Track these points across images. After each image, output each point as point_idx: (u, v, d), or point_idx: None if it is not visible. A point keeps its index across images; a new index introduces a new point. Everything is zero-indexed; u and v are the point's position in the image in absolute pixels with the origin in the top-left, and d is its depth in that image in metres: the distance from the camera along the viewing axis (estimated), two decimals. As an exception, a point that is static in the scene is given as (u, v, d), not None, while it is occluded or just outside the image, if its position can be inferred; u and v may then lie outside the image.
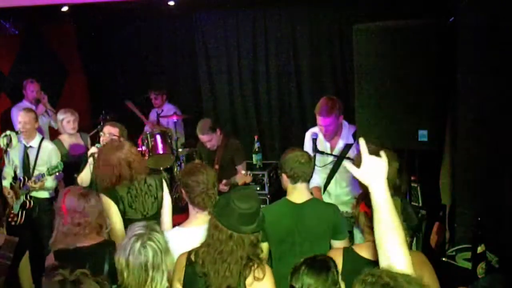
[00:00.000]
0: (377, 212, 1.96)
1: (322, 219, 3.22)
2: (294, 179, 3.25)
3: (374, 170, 1.98)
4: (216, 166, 5.14)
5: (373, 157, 2.01)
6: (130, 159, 3.50)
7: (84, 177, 4.57)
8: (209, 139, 5.14)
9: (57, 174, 4.75)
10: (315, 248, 3.15)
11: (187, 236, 2.96)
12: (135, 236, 2.38)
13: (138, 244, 2.34)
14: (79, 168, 4.82)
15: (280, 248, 3.22)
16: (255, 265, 2.50)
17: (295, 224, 3.21)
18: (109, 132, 4.55)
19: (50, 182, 4.95)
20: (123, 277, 2.36)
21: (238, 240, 2.46)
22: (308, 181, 3.30)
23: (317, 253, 3.10)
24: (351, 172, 2.03)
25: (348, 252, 2.59)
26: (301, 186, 3.26)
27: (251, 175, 5.20)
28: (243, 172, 5.14)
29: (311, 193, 3.53)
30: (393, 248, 1.90)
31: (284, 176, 3.29)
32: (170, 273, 2.53)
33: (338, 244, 3.17)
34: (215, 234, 2.49)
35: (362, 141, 2.07)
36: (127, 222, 3.33)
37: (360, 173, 2.02)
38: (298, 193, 3.26)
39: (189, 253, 2.57)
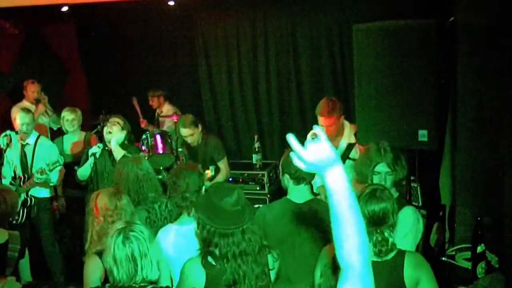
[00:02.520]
0: (331, 206, 1.64)
1: (323, 219, 3.20)
2: (298, 181, 3.23)
3: (320, 158, 1.63)
4: (199, 165, 5.14)
5: (311, 146, 1.65)
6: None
7: (84, 172, 4.60)
8: (191, 133, 5.16)
9: (57, 168, 4.76)
10: (315, 250, 3.14)
11: (177, 232, 3.08)
12: (116, 232, 2.40)
13: (120, 237, 2.36)
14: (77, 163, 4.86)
15: (280, 248, 3.21)
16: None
17: (296, 224, 3.20)
18: (114, 120, 4.63)
19: (54, 176, 4.95)
20: (114, 275, 2.36)
21: (248, 229, 2.50)
22: (309, 183, 3.29)
23: (316, 255, 3.11)
24: (300, 168, 1.70)
25: None
26: (304, 187, 3.26)
27: (212, 171, 5.17)
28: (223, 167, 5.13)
29: (317, 193, 3.52)
30: (350, 254, 1.63)
31: (286, 176, 3.28)
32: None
33: None
34: (223, 241, 2.48)
35: (290, 137, 1.67)
36: None
37: (308, 168, 1.67)
38: (300, 193, 3.25)
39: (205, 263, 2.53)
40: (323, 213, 3.23)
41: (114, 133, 4.55)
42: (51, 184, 5.04)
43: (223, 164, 5.25)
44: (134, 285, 2.35)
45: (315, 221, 3.19)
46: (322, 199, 4.15)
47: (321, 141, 1.66)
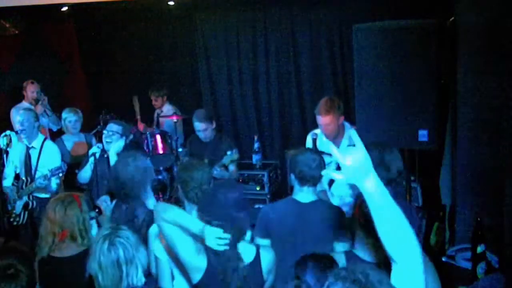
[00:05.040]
0: (375, 213, 1.77)
1: (326, 220, 3.20)
2: (302, 183, 3.23)
3: (355, 167, 1.72)
4: (206, 160, 5.10)
5: (349, 153, 1.75)
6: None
7: (84, 174, 4.58)
8: (205, 128, 5.09)
9: (60, 175, 4.74)
10: (317, 250, 3.14)
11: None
12: (102, 238, 2.41)
13: (106, 244, 2.38)
14: (77, 167, 4.84)
15: (281, 247, 3.21)
16: None
17: (299, 224, 3.19)
18: (112, 130, 4.56)
19: (54, 183, 4.93)
20: (99, 281, 2.37)
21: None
22: (315, 184, 3.27)
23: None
24: (335, 179, 1.80)
25: (351, 256, 2.57)
26: (308, 189, 3.25)
27: (236, 152, 5.01)
28: (229, 153, 4.98)
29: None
30: (404, 253, 1.81)
31: (292, 176, 3.27)
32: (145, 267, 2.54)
33: (339, 247, 3.15)
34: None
35: (332, 147, 1.82)
36: None
37: (343, 176, 1.76)
38: (304, 194, 3.25)
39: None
40: (327, 214, 3.24)
41: (113, 142, 4.51)
42: (50, 191, 4.98)
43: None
44: None
45: (319, 221, 3.19)
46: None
47: (357, 149, 1.74)
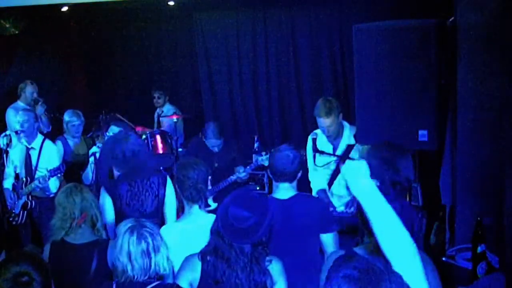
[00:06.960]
0: (369, 214, 1.88)
1: (309, 213, 3.18)
2: (275, 178, 3.25)
3: (351, 173, 1.95)
4: (215, 164, 5.14)
5: (350, 161, 2.02)
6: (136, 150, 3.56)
7: (85, 175, 4.59)
8: (220, 143, 5.20)
9: (59, 175, 4.74)
10: (301, 244, 3.15)
11: (181, 230, 3.05)
12: (128, 230, 2.45)
13: (134, 235, 2.43)
14: (81, 168, 4.85)
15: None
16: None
17: (281, 221, 3.17)
18: (114, 132, 4.58)
19: (54, 183, 4.92)
20: (127, 273, 2.40)
21: (239, 249, 2.48)
22: (290, 181, 3.25)
23: (304, 249, 3.11)
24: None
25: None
26: (284, 185, 3.24)
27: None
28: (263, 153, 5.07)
29: (316, 196, 3.47)
30: (400, 255, 1.84)
31: (269, 172, 3.31)
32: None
33: (329, 238, 3.15)
34: (218, 240, 2.50)
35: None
36: (123, 218, 3.37)
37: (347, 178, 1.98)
38: (282, 190, 3.24)
39: (202, 256, 2.56)
40: (308, 206, 3.23)
41: None
42: (48, 193, 4.95)
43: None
44: (145, 281, 2.41)
45: (300, 215, 3.17)
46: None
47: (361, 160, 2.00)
